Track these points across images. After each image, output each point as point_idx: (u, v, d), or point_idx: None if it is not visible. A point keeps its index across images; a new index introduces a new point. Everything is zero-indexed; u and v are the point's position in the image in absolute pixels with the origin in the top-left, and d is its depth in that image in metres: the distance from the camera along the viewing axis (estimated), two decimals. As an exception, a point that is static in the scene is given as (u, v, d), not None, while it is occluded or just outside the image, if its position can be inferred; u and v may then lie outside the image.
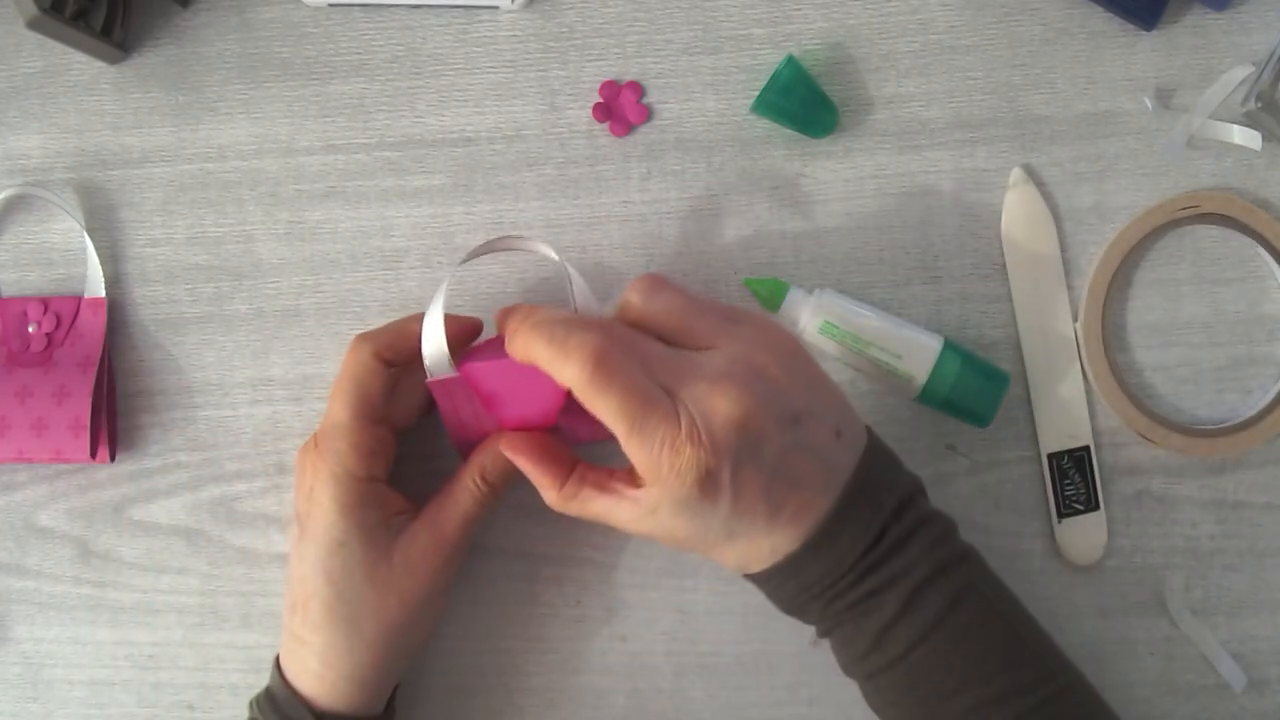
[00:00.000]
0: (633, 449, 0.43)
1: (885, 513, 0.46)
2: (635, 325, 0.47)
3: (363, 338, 0.50)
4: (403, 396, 0.51)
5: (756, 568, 0.46)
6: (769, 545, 0.45)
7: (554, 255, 0.50)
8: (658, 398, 0.43)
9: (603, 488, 0.46)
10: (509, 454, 0.48)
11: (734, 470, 0.43)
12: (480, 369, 0.48)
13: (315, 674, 0.49)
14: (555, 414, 0.49)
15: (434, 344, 0.49)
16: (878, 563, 0.45)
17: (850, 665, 0.48)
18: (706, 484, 0.43)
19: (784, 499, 0.44)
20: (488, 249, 0.51)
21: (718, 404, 0.43)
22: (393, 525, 0.49)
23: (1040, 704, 0.46)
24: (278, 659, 0.51)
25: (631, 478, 0.45)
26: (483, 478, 0.50)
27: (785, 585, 0.46)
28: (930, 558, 0.46)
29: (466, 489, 0.50)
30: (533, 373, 0.46)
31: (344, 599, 0.48)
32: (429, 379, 0.49)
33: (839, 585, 0.45)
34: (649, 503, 0.44)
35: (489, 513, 0.51)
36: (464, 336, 0.52)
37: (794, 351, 0.47)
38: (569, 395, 0.45)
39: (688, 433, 0.43)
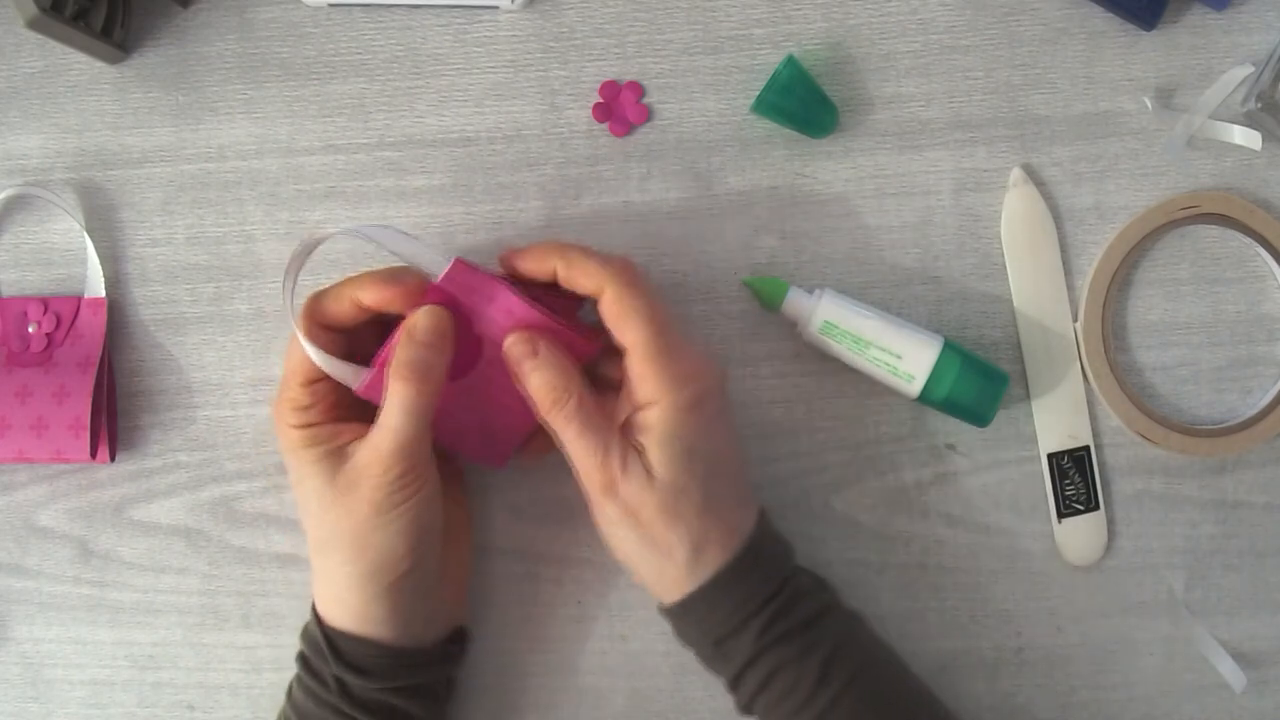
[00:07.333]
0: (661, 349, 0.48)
1: (792, 559, 0.51)
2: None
3: (300, 320, 0.49)
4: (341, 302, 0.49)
5: (710, 565, 0.48)
6: (718, 539, 0.48)
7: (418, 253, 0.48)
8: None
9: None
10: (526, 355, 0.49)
11: (710, 415, 0.49)
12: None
13: (318, 594, 0.50)
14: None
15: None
16: (800, 594, 0.49)
17: (797, 711, 0.48)
18: (707, 399, 0.49)
19: (721, 493, 0.49)
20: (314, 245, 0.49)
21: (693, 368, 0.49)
22: (346, 452, 0.49)
23: None
24: None
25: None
26: (411, 336, 0.47)
27: (734, 591, 0.48)
28: (838, 601, 0.51)
29: (396, 375, 0.47)
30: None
31: (314, 526, 0.49)
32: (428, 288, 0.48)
33: (779, 600, 0.48)
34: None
35: (430, 399, 0.47)
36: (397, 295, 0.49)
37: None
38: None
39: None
